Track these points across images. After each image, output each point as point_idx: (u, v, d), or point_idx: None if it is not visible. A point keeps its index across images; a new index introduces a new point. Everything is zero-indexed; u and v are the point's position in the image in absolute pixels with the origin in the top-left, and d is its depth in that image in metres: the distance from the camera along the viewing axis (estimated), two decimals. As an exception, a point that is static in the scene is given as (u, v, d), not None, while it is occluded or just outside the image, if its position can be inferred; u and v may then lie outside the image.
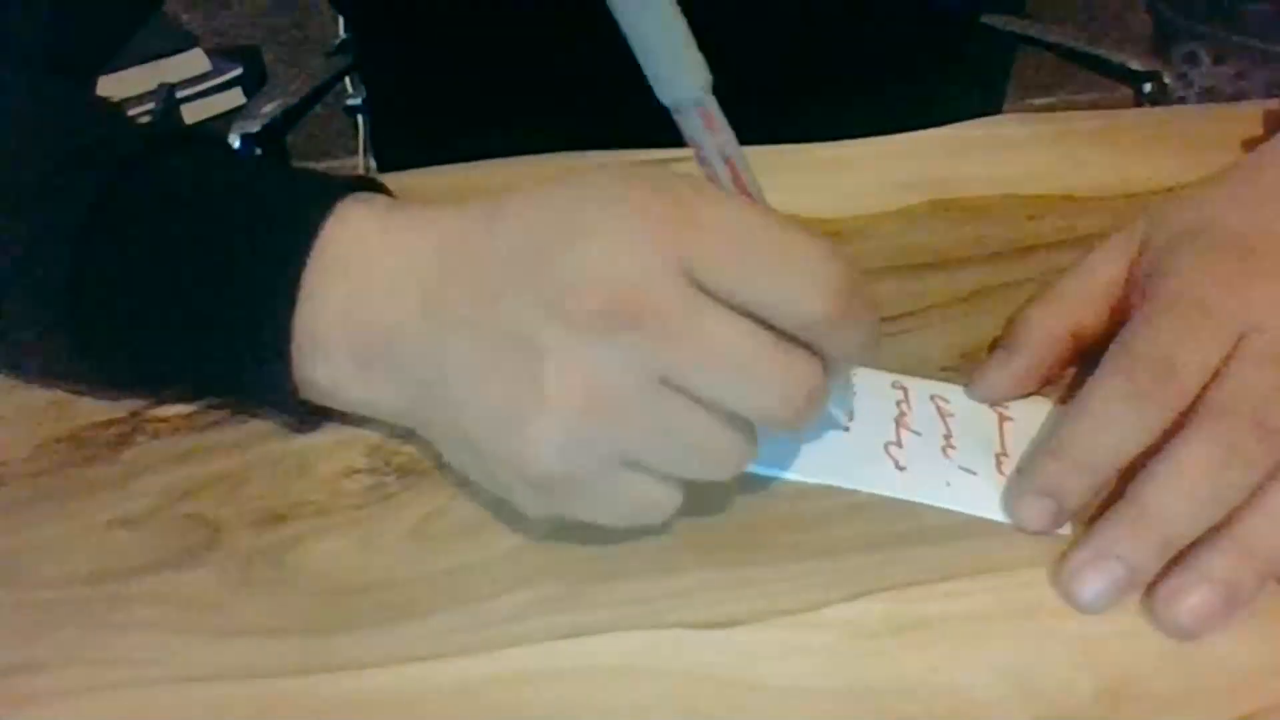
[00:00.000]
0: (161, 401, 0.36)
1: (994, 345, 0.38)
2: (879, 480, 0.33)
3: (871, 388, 0.36)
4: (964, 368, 0.38)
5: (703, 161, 0.30)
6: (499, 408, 0.28)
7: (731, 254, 0.27)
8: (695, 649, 0.28)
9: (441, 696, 0.27)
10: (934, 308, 0.41)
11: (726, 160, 0.29)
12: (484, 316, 0.28)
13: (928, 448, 0.34)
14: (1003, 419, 0.35)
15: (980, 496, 0.33)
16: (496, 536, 0.31)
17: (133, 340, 0.33)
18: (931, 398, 0.36)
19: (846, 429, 0.35)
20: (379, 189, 0.35)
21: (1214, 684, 0.27)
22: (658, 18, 0.27)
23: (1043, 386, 0.36)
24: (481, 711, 0.27)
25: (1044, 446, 0.33)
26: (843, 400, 0.34)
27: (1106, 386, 0.32)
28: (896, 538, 0.31)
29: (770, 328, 0.27)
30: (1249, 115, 0.53)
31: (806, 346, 0.28)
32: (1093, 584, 0.29)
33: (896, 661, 0.28)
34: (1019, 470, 0.33)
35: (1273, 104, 0.53)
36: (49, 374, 0.37)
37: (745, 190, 0.30)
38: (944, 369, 0.38)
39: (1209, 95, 1.75)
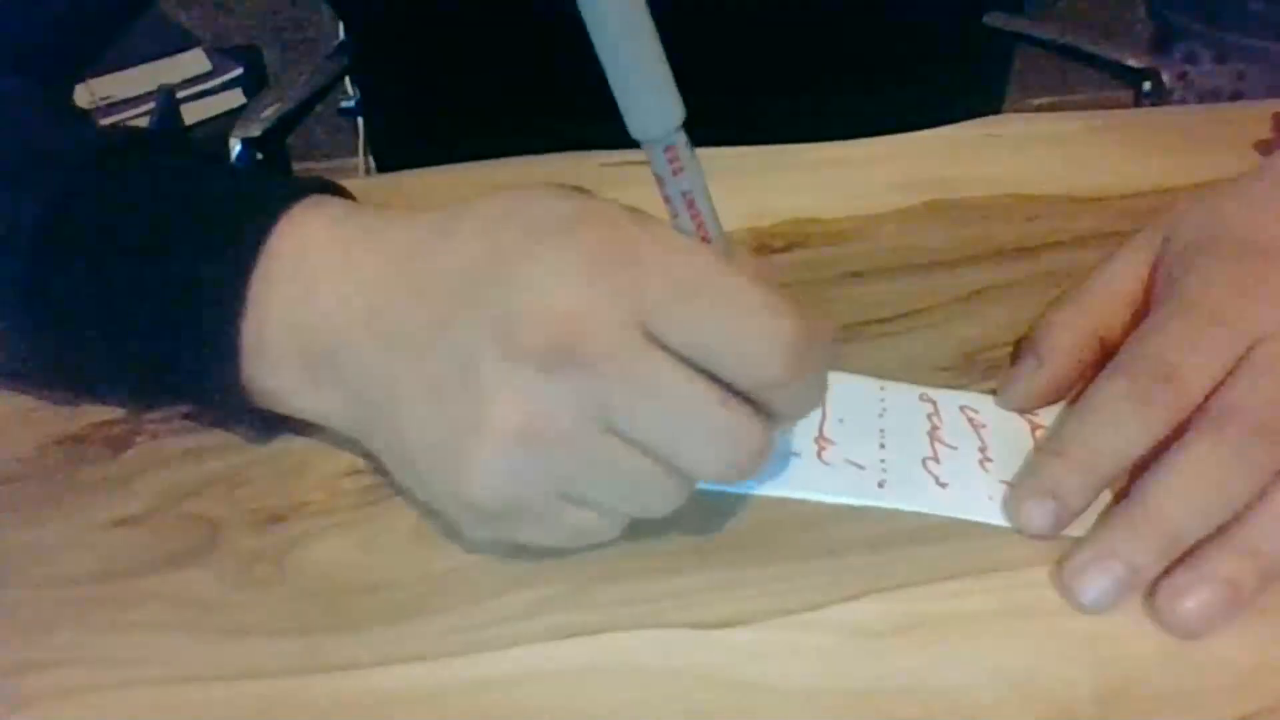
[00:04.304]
0: (127, 407, 0.36)
1: (1016, 351, 0.38)
2: (922, 498, 0.32)
3: (900, 402, 0.36)
4: (964, 368, 0.38)
5: (666, 199, 0.29)
6: (438, 433, 0.28)
7: (680, 301, 0.27)
8: (695, 649, 0.28)
9: (442, 696, 0.27)
10: (934, 308, 0.41)
11: (688, 200, 0.28)
12: (428, 340, 0.28)
13: (965, 461, 0.34)
14: (1034, 427, 0.35)
15: None
16: (496, 536, 0.31)
17: (88, 348, 0.33)
18: (961, 409, 0.36)
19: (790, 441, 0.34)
20: (338, 192, 0.34)
21: (1214, 684, 0.27)
22: (638, 51, 0.26)
23: (1070, 393, 0.36)
24: (481, 711, 0.27)
25: (1046, 447, 0.33)
26: (784, 434, 0.34)
27: (1110, 388, 0.32)
28: (896, 538, 0.31)
29: (714, 377, 0.27)
30: (1249, 115, 0.53)
31: (749, 400, 0.27)
32: (1095, 583, 0.29)
33: (896, 661, 0.28)
34: (1020, 472, 0.33)
35: (1276, 104, 0.53)
36: (10, 379, 0.36)
37: (704, 233, 0.29)
38: (944, 369, 0.38)
39: (1209, 95, 1.75)
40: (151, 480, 0.33)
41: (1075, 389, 0.36)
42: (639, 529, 0.31)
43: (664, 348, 0.27)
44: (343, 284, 0.31)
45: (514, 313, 0.27)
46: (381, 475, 0.34)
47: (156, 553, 0.31)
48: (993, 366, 0.38)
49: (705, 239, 0.29)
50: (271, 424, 0.34)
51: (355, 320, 0.30)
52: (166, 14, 1.61)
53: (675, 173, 0.28)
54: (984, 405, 0.36)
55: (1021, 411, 0.36)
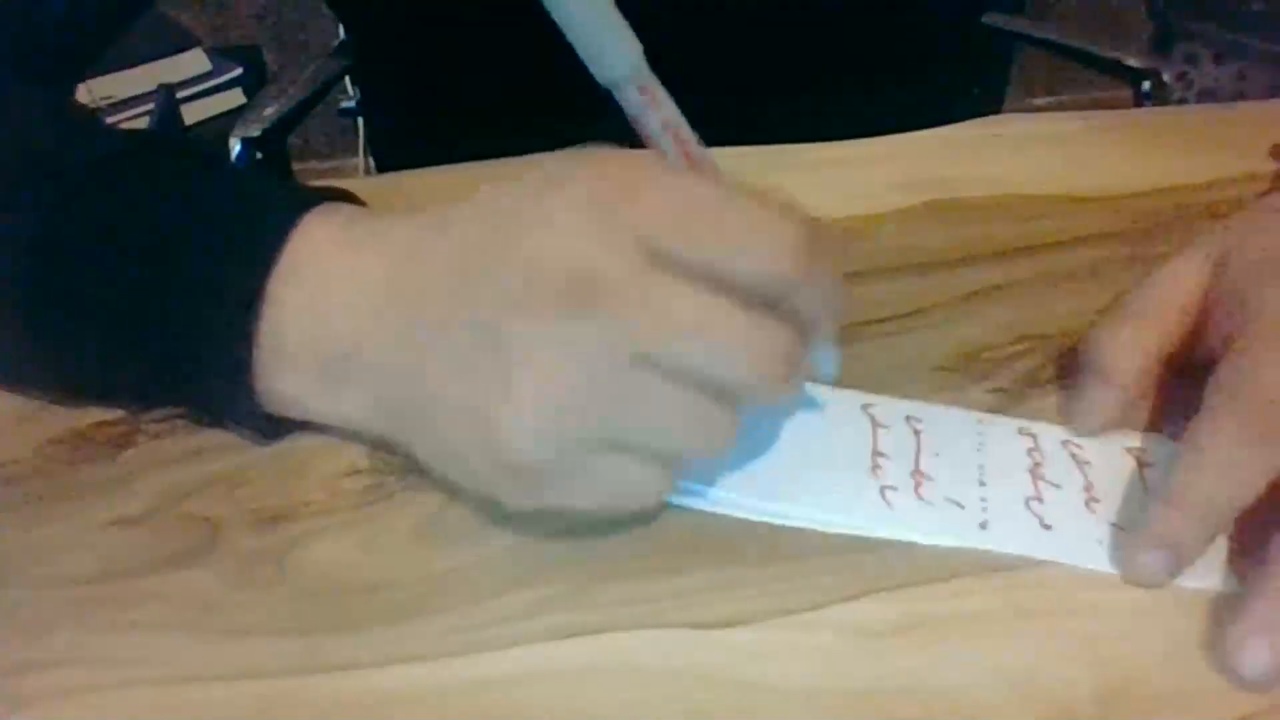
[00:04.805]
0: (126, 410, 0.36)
1: (1065, 370, 0.37)
2: (1026, 541, 0.31)
3: (999, 436, 0.35)
4: (964, 368, 0.38)
5: (649, 138, 0.30)
6: (469, 402, 0.28)
7: (681, 222, 0.27)
8: (696, 649, 0.28)
9: (441, 696, 0.27)
10: (934, 308, 0.41)
11: (671, 133, 0.29)
12: (445, 317, 0.28)
13: (1070, 502, 0.32)
14: (1141, 465, 0.34)
15: None
16: (496, 536, 0.31)
17: (93, 351, 0.33)
18: (1063, 444, 0.34)
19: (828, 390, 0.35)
20: (348, 199, 0.34)
21: (1214, 684, 0.27)
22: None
23: (1137, 410, 0.35)
24: (481, 711, 0.27)
25: (1158, 497, 0.31)
26: (825, 364, 0.33)
27: (1220, 431, 0.30)
28: (899, 539, 0.31)
29: (730, 291, 0.27)
30: (1249, 115, 0.54)
31: (771, 308, 0.28)
32: (1259, 657, 0.27)
33: (896, 661, 0.28)
34: (1134, 522, 0.31)
35: (1277, 104, 0.53)
36: (23, 382, 0.36)
37: (693, 161, 0.30)
38: (944, 369, 0.38)
39: (1209, 95, 1.75)
40: (151, 480, 0.33)
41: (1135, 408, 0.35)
42: (639, 529, 0.31)
43: (677, 272, 0.27)
44: (351, 288, 0.31)
45: (525, 272, 0.27)
46: (381, 475, 0.34)
47: (156, 553, 0.31)
48: (993, 366, 0.38)
49: (694, 165, 0.30)
50: (277, 428, 0.34)
51: (366, 321, 0.30)
52: (166, 14, 1.61)
53: (651, 106, 0.29)
54: (1086, 441, 0.35)
55: (1092, 436, 0.35)
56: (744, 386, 0.28)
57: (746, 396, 0.29)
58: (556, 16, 0.27)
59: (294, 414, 0.33)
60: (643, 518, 0.32)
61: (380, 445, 0.34)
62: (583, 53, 0.28)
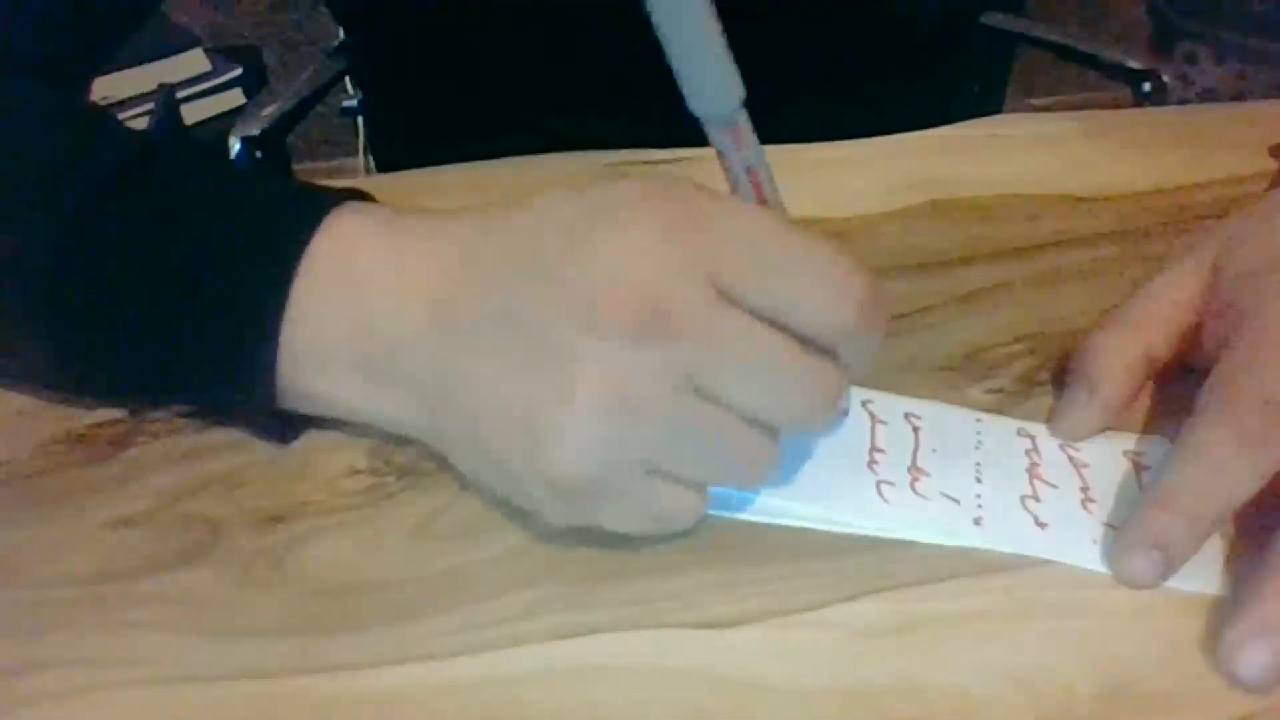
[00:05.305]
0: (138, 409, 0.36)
1: (1057, 375, 0.37)
2: (1020, 538, 0.31)
3: (997, 435, 0.35)
4: (964, 367, 0.38)
5: (727, 171, 0.30)
6: (520, 411, 0.28)
7: (753, 263, 0.28)
8: (696, 649, 0.28)
9: (441, 697, 0.27)
10: (934, 308, 0.41)
11: (749, 172, 0.30)
12: (502, 323, 0.28)
13: (1066, 502, 0.32)
14: (1138, 468, 0.34)
15: None
16: (496, 536, 0.31)
17: (112, 356, 0.33)
18: (1061, 446, 0.34)
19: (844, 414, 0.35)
20: (370, 200, 0.34)
21: (1214, 684, 0.27)
22: (699, 31, 0.27)
23: (1120, 417, 0.35)
24: (481, 712, 0.27)
25: (1150, 497, 0.31)
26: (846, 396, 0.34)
27: (1213, 432, 0.30)
28: (897, 538, 0.31)
29: (789, 332, 0.28)
30: (1249, 115, 0.54)
31: (822, 350, 0.28)
32: (1256, 659, 0.27)
33: (896, 661, 0.28)
34: (1125, 522, 0.31)
35: (1278, 104, 0.53)
36: (31, 381, 0.36)
37: (764, 201, 0.30)
38: (944, 369, 0.38)
39: (1209, 95, 1.75)
40: (151, 480, 0.33)
41: (1123, 412, 0.35)
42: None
43: (741, 307, 0.27)
44: (396, 286, 0.30)
45: (592, 286, 0.27)
46: (381, 475, 0.34)
47: (156, 553, 0.31)
48: (993, 366, 0.38)
49: (765, 204, 0.30)
50: (288, 428, 0.34)
51: (414, 319, 0.30)
52: (166, 14, 1.61)
53: (738, 147, 0.29)
54: (1084, 443, 0.35)
55: (1076, 440, 0.35)
56: (792, 423, 0.29)
57: (789, 430, 0.30)
58: (668, 46, 0.27)
59: (329, 414, 0.33)
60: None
61: (399, 440, 0.34)
62: (685, 85, 0.28)
